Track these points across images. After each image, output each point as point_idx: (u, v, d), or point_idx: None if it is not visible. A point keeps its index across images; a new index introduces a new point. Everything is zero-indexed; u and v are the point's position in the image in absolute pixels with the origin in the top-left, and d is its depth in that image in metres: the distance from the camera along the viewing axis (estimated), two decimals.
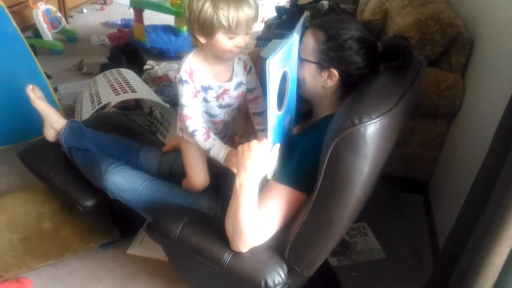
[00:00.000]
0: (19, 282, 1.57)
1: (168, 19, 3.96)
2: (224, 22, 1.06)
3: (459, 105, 1.87)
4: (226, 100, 1.27)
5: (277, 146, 1.10)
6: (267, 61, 0.92)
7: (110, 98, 2.19)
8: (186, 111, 1.19)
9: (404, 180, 2.19)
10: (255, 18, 1.11)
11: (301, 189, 1.11)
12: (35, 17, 3.44)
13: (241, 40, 1.13)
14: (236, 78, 1.25)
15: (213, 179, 1.44)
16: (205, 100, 1.24)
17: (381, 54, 1.19)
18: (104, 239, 1.77)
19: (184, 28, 3.91)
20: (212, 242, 1.17)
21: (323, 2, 2.96)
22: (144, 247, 1.77)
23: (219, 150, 1.19)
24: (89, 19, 4.54)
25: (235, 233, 1.11)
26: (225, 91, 1.25)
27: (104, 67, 3.18)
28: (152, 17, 4.03)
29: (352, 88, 1.11)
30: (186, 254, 1.20)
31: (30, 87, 1.68)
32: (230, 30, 1.08)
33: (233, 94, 1.27)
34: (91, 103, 2.25)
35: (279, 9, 3.20)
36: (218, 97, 1.25)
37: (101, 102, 2.19)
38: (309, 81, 1.19)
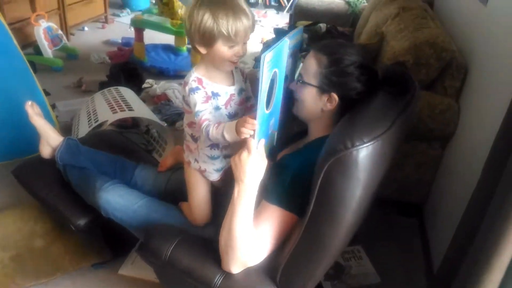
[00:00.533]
0: None
1: (169, 39, 4.00)
2: (224, 31, 1.10)
3: (453, 129, 1.88)
4: (233, 107, 1.27)
5: (262, 141, 1.10)
6: (263, 55, 0.95)
7: (107, 116, 2.20)
8: (201, 115, 1.17)
9: (400, 203, 2.18)
10: (252, 28, 1.15)
11: (293, 210, 1.10)
12: (36, 35, 3.48)
13: (239, 49, 1.17)
14: (237, 84, 1.28)
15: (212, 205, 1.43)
16: (217, 107, 1.23)
17: (381, 80, 1.22)
18: (96, 258, 1.75)
19: (184, 48, 3.96)
20: (204, 264, 1.16)
21: (320, 24, 3.00)
22: (135, 268, 1.75)
23: (230, 128, 1.12)
24: (90, 37, 4.59)
25: (228, 248, 1.10)
26: (231, 96, 1.26)
27: (103, 85, 3.20)
28: (153, 37, 4.08)
29: (349, 111, 1.12)
30: (177, 275, 1.19)
31: (29, 103, 1.68)
32: (230, 39, 1.12)
33: (237, 100, 1.28)
34: (88, 121, 2.26)
35: (278, 31, 3.24)
36: (226, 104, 1.25)
37: (98, 120, 2.19)
38: (308, 104, 1.21)
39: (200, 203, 1.38)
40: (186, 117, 1.32)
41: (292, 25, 3.32)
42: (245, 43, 1.18)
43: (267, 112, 1.10)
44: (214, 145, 1.29)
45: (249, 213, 1.09)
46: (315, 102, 1.19)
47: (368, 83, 1.16)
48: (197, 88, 1.18)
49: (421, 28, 2.06)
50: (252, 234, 1.10)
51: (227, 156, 1.32)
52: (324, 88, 1.17)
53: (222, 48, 1.15)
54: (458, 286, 1.09)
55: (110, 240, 1.77)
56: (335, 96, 1.16)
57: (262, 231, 1.11)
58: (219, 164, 1.33)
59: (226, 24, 1.10)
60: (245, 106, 1.32)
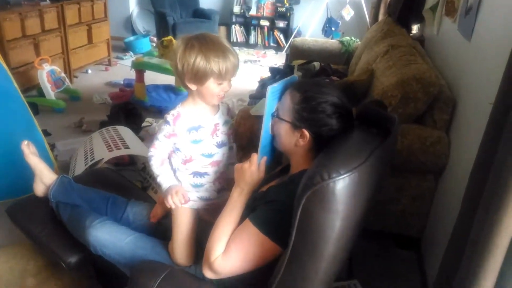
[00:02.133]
0: None
1: (170, 79, 4.11)
2: (216, 70, 1.22)
3: (445, 161, 1.90)
4: (220, 136, 1.38)
5: (264, 158, 1.26)
6: (268, 86, 1.18)
7: (103, 154, 2.24)
8: (155, 143, 1.33)
9: (398, 236, 2.16)
10: (238, 66, 1.29)
11: (275, 240, 1.12)
12: (39, 78, 3.60)
13: (226, 85, 1.29)
14: (222, 115, 1.40)
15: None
16: (196, 141, 1.34)
17: (356, 118, 1.25)
18: None
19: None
20: None
21: (314, 63, 3.08)
22: None
23: (165, 180, 1.33)
24: (93, 79, 4.72)
25: (208, 245, 1.19)
26: (216, 126, 1.37)
27: (103, 125, 3.26)
28: (155, 78, 4.19)
29: (326, 146, 1.14)
30: None
31: (25, 142, 1.72)
32: (220, 77, 1.25)
33: (223, 129, 1.39)
34: (85, 159, 2.30)
35: (273, 70, 3.33)
36: (212, 134, 1.36)
37: (94, 159, 2.23)
38: (283, 138, 1.24)
39: (182, 243, 1.39)
40: None
41: (287, 64, 3.41)
42: (230, 80, 1.30)
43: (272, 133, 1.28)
44: (196, 173, 1.39)
45: (236, 215, 1.22)
46: (289, 137, 1.23)
47: (341, 121, 1.19)
48: (168, 123, 1.31)
49: (408, 64, 2.12)
50: (227, 238, 1.18)
51: (211, 187, 1.43)
52: (296, 124, 1.20)
53: (212, 85, 1.26)
54: None
55: (102, 278, 1.76)
56: (306, 133, 1.19)
57: (237, 242, 1.16)
58: (203, 192, 1.42)
59: (218, 64, 1.22)
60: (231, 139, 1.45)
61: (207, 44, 1.22)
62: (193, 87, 1.28)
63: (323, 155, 1.05)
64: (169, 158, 1.39)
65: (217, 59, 1.21)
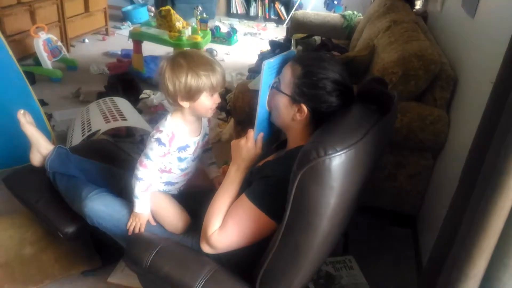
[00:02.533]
0: None
1: (168, 50, 4.04)
2: (208, 84, 1.27)
3: (444, 139, 1.89)
4: (197, 152, 1.47)
5: (261, 135, 1.26)
6: (264, 61, 1.16)
7: (100, 125, 2.23)
8: (147, 163, 1.35)
9: (393, 214, 2.18)
10: (224, 74, 1.33)
11: (270, 215, 1.13)
12: (35, 46, 3.54)
13: (217, 96, 1.33)
14: (203, 130, 1.46)
15: (193, 207, 1.45)
16: (181, 159, 1.42)
17: (357, 96, 1.23)
18: (86, 266, 1.76)
19: None
20: (184, 271, 1.16)
21: (315, 37, 3.04)
22: (125, 275, 1.75)
23: (141, 206, 1.38)
24: (90, 49, 4.65)
25: (205, 221, 1.21)
26: (198, 144, 1.44)
27: (100, 96, 3.23)
28: (153, 49, 4.13)
29: (323, 122, 1.13)
30: (158, 284, 1.19)
31: (22, 111, 1.71)
32: (213, 88, 1.29)
33: (201, 144, 1.47)
34: (82, 130, 2.29)
35: (273, 44, 3.28)
36: (194, 152, 1.44)
37: (91, 130, 2.22)
38: (281, 111, 1.23)
39: (169, 211, 1.43)
40: (143, 153, 1.42)
41: (288, 38, 3.36)
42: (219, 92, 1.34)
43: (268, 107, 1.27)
44: (168, 183, 1.47)
45: (233, 191, 1.23)
46: (286, 111, 1.21)
47: (341, 98, 1.17)
48: (164, 144, 1.33)
49: (410, 41, 2.08)
50: (224, 213, 1.20)
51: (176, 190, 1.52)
52: (295, 98, 1.18)
53: (205, 99, 1.30)
54: (443, 282, 1.08)
55: (100, 248, 1.78)
56: (304, 108, 1.17)
57: (233, 217, 1.18)
58: (176, 186, 1.51)
59: (209, 78, 1.26)
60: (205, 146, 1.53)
61: (193, 61, 1.26)
62: (186, 104, 1.30)
63: (320, 131, 1.04)
64: None
65: (207, 73, 1.25)
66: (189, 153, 1.42)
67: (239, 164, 1.25)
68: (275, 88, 1.23)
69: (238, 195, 1.22)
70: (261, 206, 1.14)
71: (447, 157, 1.88)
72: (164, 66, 1.28)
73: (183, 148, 1.39)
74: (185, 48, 3.88)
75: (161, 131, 1.33)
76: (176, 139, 1.35)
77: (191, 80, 1.25)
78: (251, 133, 1.23)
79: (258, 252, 1.17)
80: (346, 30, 3.68)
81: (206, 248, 1.21)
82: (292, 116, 1.20)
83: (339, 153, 0.92)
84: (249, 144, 1.23)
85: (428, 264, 1.26)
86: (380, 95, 1.20)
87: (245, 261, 1.22)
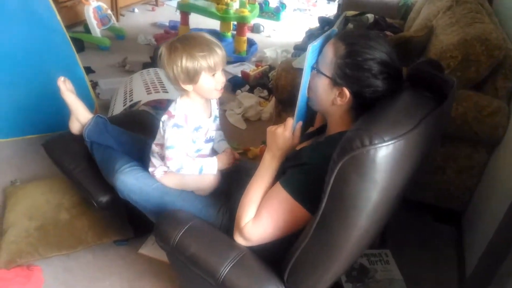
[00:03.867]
0: (29, 270, 1.59)
1: (214, 24, 3.99)
2: (205, 65, 1.24)
3: (502, 133, 1.73)
4: (210, 133, 1.44)
5: (300, 124, 1.18)
6: (309, 44, 1.06)
7: (141, 96, 2.22)
8: (172, 152, 1.32)
9: (437, 209, 2.05)
10: (225, 55, 1.30)
11: (304, 204, 1.05)
12: (86, 13, 3.58)
13: (220, 75, 1.30)
14: (213, 112, 1.44)
15: (226, 187, 1.42)
16: (194, 140, 1.39)
17: (406, 80, 1.10)
18: (118, 235, 1.77)
19: (229, 34, 3.93)
20: (211, 253, 1.12)
21: (368, 15, 2.86)
22: (155, 248, 1.75)
23: (210, 164, 1.38)
24: (139, 19, 4.67)
25: (239, 211, 1.15)
26: (209, 126, 1.42)
27: (146, 66, 3.25)
28: (200, 22, 4.08)
29: (367, 108, 1.03)
30: (184, 264, 1.16)
31: (62, 78, 1.71)
32: (211, 68, 1.26)
33: (213, 127, 1.45)
34: (124, 100, 2.29)
35: (322, 20, 3.13)
36: (205, 133, 1.41)
37: (132, 100, 2.21)
38: (320, 94, 1.13)
39: (196, 178, 1.41)
40: (158, 138, 1.43)
41: (338, 15, 3.19)
42: (222, 71, 1.32)
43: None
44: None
45: (267, 180, 1.16)
46: (326, 94, 1.11)
47: (388, 82, 1.05)
48: (181, 127, 1.32)
49: (473, 23, 1.90)
50: (258, 203, 1.14)
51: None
52: (336, 81, 1.07)
53: (206, 80, 1.28)
54: None
55: (133, 219, 1.78)
56: (346, 91, 1.06)
57: (268, 207, 1.11)
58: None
59: (204, 58, 1.23)
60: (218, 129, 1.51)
61: (189, 43, 1.24)
62: (189, 87, 1.29)
63: (366, 117, 0.94)
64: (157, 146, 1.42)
65: (202, 54, 1.23)
66: (201, 134, 1.40)
67: (274, 152, 1.17)
68: (315, 69, 1.12)
69: (273, 183, 1.15)
70: (296, 196, 1.06)
71: (504, 153, 1.72)
72: (162, 52, 1.27)
73: (196, 129, 1.37)
74: (231, 22, 3.81)
75: (173, 116, 1.32)
76: (189, 118, 1.33)
77: (187, 62, 1.23)
78: (290, 121, 1.15)
79: (290, 239, 1.11)
80: (402, 9, 3.45)
81: (239, 240, 1.15)
82: (332, 100, 1.10)
83: (387, 143, 0.82)
84: (287, 134, 1.15)
85: (475, 273, 1.15)
86: (435, 80, 1.06)
87: (275, 248, 1.17)
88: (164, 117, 1.34)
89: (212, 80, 1.28)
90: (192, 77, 1.26)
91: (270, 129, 1.18)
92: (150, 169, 1.46)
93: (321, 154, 1.05)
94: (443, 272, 1.83)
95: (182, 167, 1.34)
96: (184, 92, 1.33)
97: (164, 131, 1.34)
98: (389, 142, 0.82)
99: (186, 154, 1.36)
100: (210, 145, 1.48)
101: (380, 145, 0.81)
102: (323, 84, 1.10)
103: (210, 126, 1.43)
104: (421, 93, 1.02)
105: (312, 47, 1.07)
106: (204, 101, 1.38)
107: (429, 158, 1.83)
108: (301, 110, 1.18)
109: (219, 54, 1.25)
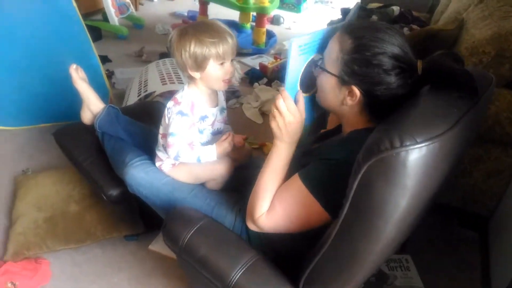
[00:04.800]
0: (37, 263, 1.55)
1: (233, 14, 3.91)
2: (214, 51, 1.20)
3: None
4: (217, 125, 1.40)
5: (300, 92, 1.07)
6: (292, 39, 0.98)
7: (156, 87, 2.16)
8: (173, 139, 1.28)
9: (462, 213, 1.95)
10: (235, 46, 1.25)
11: (323, 203, 0.98)
12: (104, 1, 3.54)
13: (229, 66, 1.25)
14: (220, 104, 1.39)
15: (239, 184, 1.35)
16: (200, 131, 1.35)
17: (422, 75, 0.98)
18: (128, 230, 1.72)
19: (248, 25, 3.85)
20: (221, 257, 1.05)
21: (393, 7, 2.74)
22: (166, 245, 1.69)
23: (208, 152, 1.31)
24: (158, 8, 4.63)
25: (251, 201, 1.10)
26: (216, 116, 1.37)
27: (162, 56, 3.19)
28: (218, 12, 4.01)
29: (383, 109, 0.94)
30: (193, 267, 1.09)
31: (74, 66, 1.66)
32: (219, 56, 1.21)
33: (220, 118, 1.40)
34: (138, 90, 2.23)
35: (345, 11, 3.02)
36: (212, 124, 1.37)
37: (147, 90, 2.16)
38: (327, 94, 1.04)
39: (205, 167, 1.35)
40: (162, 128, 1.37)
41: (360, 6, 3.08)
42: (232, 60, 1.27)
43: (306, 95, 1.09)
44: None
45: (281, 171, 1.08)
46: (334, 94, 1.02)
47: (402, 77, 0.95)
48: (186, 115, 1.28)
49: (508, 16, 1.77)
50: (272, 194, 1.07)
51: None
52: (344, 79, 0.98)
53: (214, 67, 1.23)
54: None
55: (144, 213, 1.73)
56: (355, 90, 0.97)
57: (283, 199, 1.05)
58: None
59: (214, 44, 1.19)
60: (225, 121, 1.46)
61: (200, 28, 1.21)
62: (196, 75, 1.26)
63: (396, 116, 0.85)
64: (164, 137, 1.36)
65: (212, 40, 1.19)
66: (208, 124, 1.36)
67: (282, 138, 1.05)
68: (319, 66, 1.03)
69: (288, 175, 1.07)
70: (315, 192, 0.98)
71: None
72: (172, 36, 1.24)
73: (202, 118, 1.33)
74: (250, 13, 3.72)
75: (180, 103, 1.28)
76: (196, 107, 1.30)
77: (196, 47, 1.19)
78: (285, 92, 1.01)
79: (305, 245, 1.03)
80: (429, 2, 3.32)
81: (252, 227, 1.10)
82: (342, 100, 1.01)
83: (420, 145, 0.73)
84: (292, 107, 1.01)
85: None
86: (456, 75, 0.93)
87: (289, 253, 1.09)
88: (169, 104, 1.30)
89: (220, 69, 1.24)
90: (200, 63, 1.22)
91: (273, 119, 1.04)
92: (157, 163, 1.40)
93: (345, 149, 0.98)
94: (466, 280, 1.73)
95: (179, 155, 1.29)
96: (191, 80, 1.30)
97: (168, 118, 1.30)
98: (422, 144, 0.73)
99: (188, 143, 1.31)
100: (218, 137, 1.41)
101: (412, 147, 0.72)
102: (330, 83, 1.02)
103: (217, 117, 1.38)
104: (449, 90, 0.91)
105: (297, 44, 0.97)
106: (211, 92, 1.34)
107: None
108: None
109: (229, 42, 1.21)
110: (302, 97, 1.06)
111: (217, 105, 1.37)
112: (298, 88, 1.07)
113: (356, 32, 0.97)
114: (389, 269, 1.69)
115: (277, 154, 1.08)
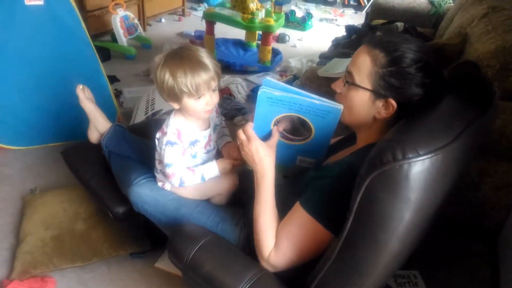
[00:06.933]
0: (43, 281, 1.55)
1: (240, 33, 3.96)
2: (185, 88, 1.14)
3: None
4: (211, 144, 1.37)
5: (275, 129, 1.09)
6: (260, 90, 0.98)
7: (163, 105, 2.18)
8: (171, 169, 1.27)
9: (470, 227, 1.92)
10: (214, 78, 1.17)
11: (327, 226, 0.97)
12: (113, 22, 3.61)
13: (208, 99, 1.20)
14: (212, 122, 1.35)
15: (241, 194, 1.36)
16: (193, 155, 1.33)
17: (448, 83, 1.00)
18: (134, 248, 1.72)
19: (254, 44, 3.90)
20: (226, 272, 1.05)
21: (397, 24, 2.76)
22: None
23: (210, 169, 1.30)
24: (166, 29, 4.70)
25: (256, 242, 1.08)
26: (209, 137, 1.34)
27: None
28: (225, 31, 4.06)
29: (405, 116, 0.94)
30: (197, 282, 1.09)
31: (81, 87, 1.69)
32: (192, 94, 1.16)
33: (213, 137, 1.38)
34: (145, 109, 2.26)
35: (349, 29, 3.05)
36: (205, 145, 1.34)
37: (154, 108, 2.18)
38: (358, 109, 1.03)
39: (212, 183, 1.35)
40: (157, 154, 1.36)
41: (366, 23, 3.10)
42: (214, 91, 1.21)
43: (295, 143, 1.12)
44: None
45: (270, 203, 1.07)
46: (366, 108, 1.02)
47: (433, 87, 0.96)
48: (175, 143, 1.25)
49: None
50: (274, 228, 1.06)
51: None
52: (380, 93, 0.98)
53: (190, 102, 1.19)
54: None
55: (150, 231, 1.73)
56: (392, 102, 0.98)
57: (288, 233, 1.03)
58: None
59: (185, 81, 1.13)
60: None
61: (175, 61, 1.15)
62: (175, 105, 1.23)
63: (399, 127, 0.85)
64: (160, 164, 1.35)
65: (184, 76, 1.13)
66: (200, 147, 1.33)
67: (257, 169, 1.08)
68: (350, 83, 1.03)
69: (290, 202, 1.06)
70: (318, 217, 0.98)
71: None
72: (155, 61, 1.20)
73: (193, 143, 1.30)
74: (256, 31, 3.76)
75: (166, 133, 1.26)
76: (183, 133, 1.27)
77: (168, 82, 1.15)
78: (249, 126, 1.07)
79: (311, 260, 1.02)
80: (433, 18, 3.34)
81: (267, 267, 1.07)
82: (375, 113, 1.01)
83: (422, 157, 0.73)
84: (256, 142, 1.06)
85: None
86: (477, 83, 0.96)
87: (294, 268, 1.08)
88: (158, 134, 1.30)
89: (196, 103, 1.19)
90: (175, 97, 1.19)
91: (243, 151, 1.09)
92: (159, 184, 1.41)
93: (341, 165, 0.98)
94: None
95: (183, 181, 1.29)
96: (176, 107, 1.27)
97: (160, 148, 1.29)
98: (425, 157, 0.73)
99: (186, 167, 1.30)
100: (213, 153, 1.41)
101: (414, 159, 0.73)
102: (362, 98, 1.01)
103: (210, 137, 1.35)
104: (461, 99, 0.92)
105: (265, 94, 0.99)
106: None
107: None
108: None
109: (202, 77, 1.14)
110: (277, 133, 1.09)
111: (209, 126, 1.34)
112: (272, 127, 1.09)
113: (388, 45, 0.98)
114: (397, 285, 1.66)
115: (262, 185, 1.08)
